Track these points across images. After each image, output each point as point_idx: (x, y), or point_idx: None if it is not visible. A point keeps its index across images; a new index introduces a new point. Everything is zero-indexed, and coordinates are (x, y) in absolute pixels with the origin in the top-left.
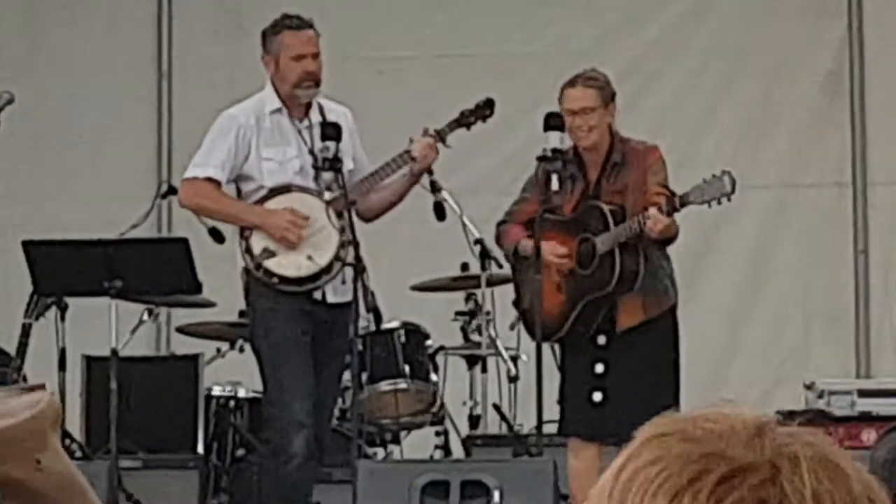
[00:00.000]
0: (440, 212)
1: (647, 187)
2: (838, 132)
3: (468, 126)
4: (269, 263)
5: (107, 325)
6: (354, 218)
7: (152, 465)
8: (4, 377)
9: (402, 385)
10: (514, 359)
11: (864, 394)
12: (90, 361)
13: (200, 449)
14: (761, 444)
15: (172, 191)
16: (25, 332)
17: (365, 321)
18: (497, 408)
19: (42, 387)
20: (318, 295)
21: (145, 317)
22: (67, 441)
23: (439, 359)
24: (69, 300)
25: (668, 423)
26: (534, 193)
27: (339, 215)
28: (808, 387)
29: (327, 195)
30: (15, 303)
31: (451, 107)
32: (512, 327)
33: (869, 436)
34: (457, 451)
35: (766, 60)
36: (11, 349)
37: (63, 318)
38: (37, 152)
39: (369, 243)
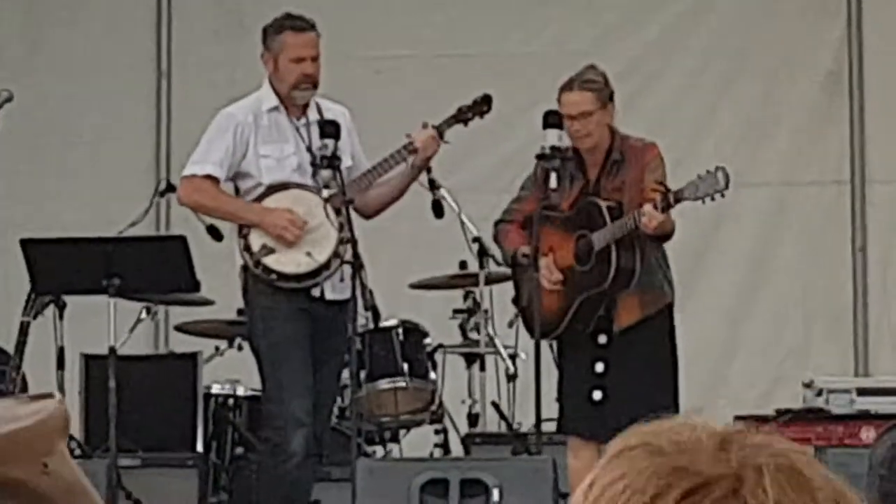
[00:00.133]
0: (439, 210)
1: (644, 184)
2: (838, 131)
3: (465, 122)
4: (268, 260)
5: (105, 323)
6: (353, 215)
7: (151, 464)
8: (3, 376)
9: (401, 383)
10: (513, 357)
11: (863, 392)
12: (89, 360)
13: (199, 447)
14: (727, 457)
15: (171, 188)
16: (24, 330)
17: (363, 319)
18: (496, 406)
19: (50, 395)
20: (316, 292)
21: (144, 315)
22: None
23: (438, 357)
24: (68, 298)
25: (635, 436)
26: (532, 192)
27: (338, 212)
28: (808, 385)
29: (325, 192)
30: (14, 301)
31: (450, 106)
32: (510, 325)
33: (868, 434)
34: (456, 449)
35: (766, 60)
36: (10, 348)
37: (61, 317)
38: (37, 152)
39: (368, 241)
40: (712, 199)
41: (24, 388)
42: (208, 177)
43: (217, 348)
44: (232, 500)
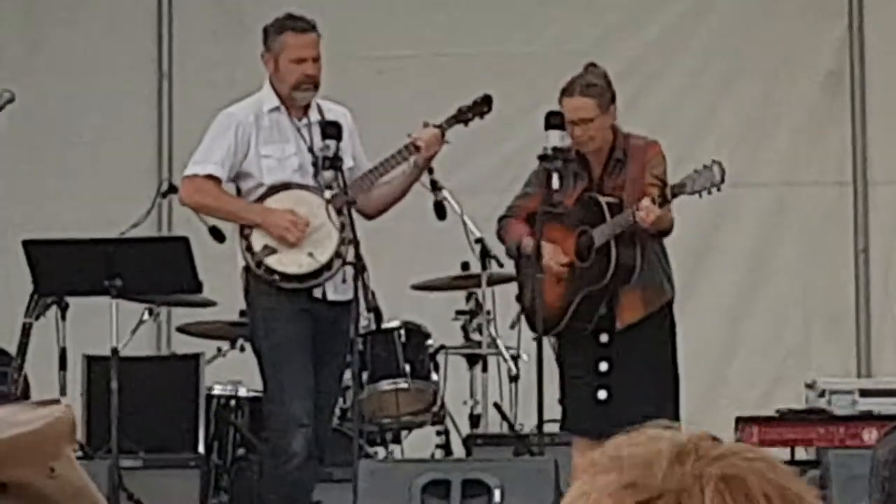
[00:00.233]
0: (441, 211)
1: (645, 181)
2: (838, 131)
3: (466, 122)
4: (270, 260)
5: (107, 324)
6: (355, 216)
7: (153, 465)
8: (5, 377)
9: (403, 384)
10: (515, 358)
11: (865, 393)
12: (91, 361)
13: (201, 448)
14: (681, 469)
15: (173, 189)
16: (26, 331)
17: (365, 320)
18: (498, 407)
19: (57, 401)
20: (318, 293)
21: (146, 316)
22: None
23: (440, 358)
24: (70, 300)
25: (601, 452)
26: (537, 190)
27: (339, 213)
28: (810, 386)
29: (327, 193)
30: (16, 302)
31: (452, 106)
32: (513, 326)
33: (870, 435)
34: (457, 450)
35: (766, 60)
36: (12, 349)
37: (64, 318)
38: (37, 152)
39: (370, 242)
40: (709, 192)
41: (27, 390)
42: (210, 177)
43: (219, 349)
44: (233, 501)
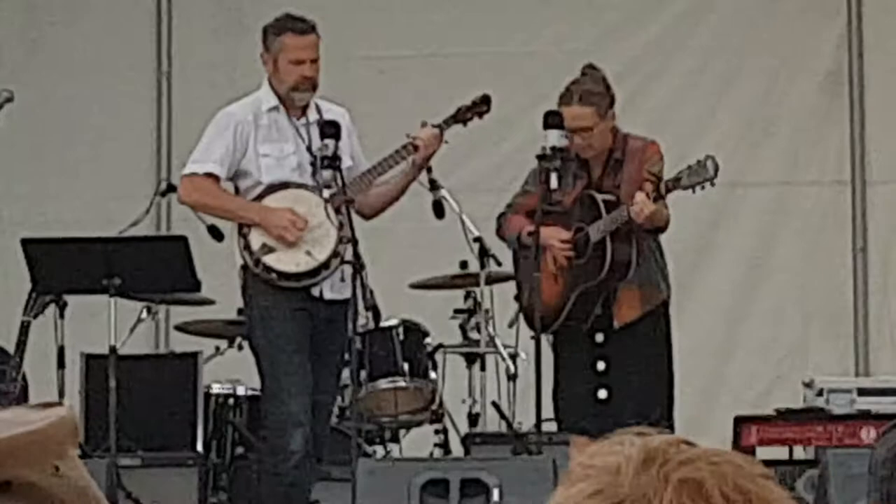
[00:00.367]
0: (439, 210)
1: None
2: (837, 131)
3: (465, 122)
4: (268, 259)
5: (106, 323)
6: (353, 215)
7: (151, 463)
8: (3, 375)
9: (401, 383)
10: (514, 357)
11: (863, 392)
12: (89, 359)
13: (199, 447)
14: (647, 475)
15: (172, 189)
16: (24, 330)
17: (364, 319)
18: (496, 406)
19: (59, 403)
20: (315, 291)
21: (144, 315)
22: None
23: (438, 357)
24: (68, 298)
25: (578, 460)
26: (536, 188)
27: (338, 212)
28: (808, 385)
29: (326, 192)
30: (14, 301)
31: (452, 106)
32: (511, 325)
33: (869, 434)
34: (456, 449)
35: (766, 60)
36: (10, 347)
37: (62, 316)
38: (36, 151)
39: (368, 241)
40: (702, 187)
41: (25, 388)
42: (209, 175)
43: (217, 348)
44: (232, 500)
